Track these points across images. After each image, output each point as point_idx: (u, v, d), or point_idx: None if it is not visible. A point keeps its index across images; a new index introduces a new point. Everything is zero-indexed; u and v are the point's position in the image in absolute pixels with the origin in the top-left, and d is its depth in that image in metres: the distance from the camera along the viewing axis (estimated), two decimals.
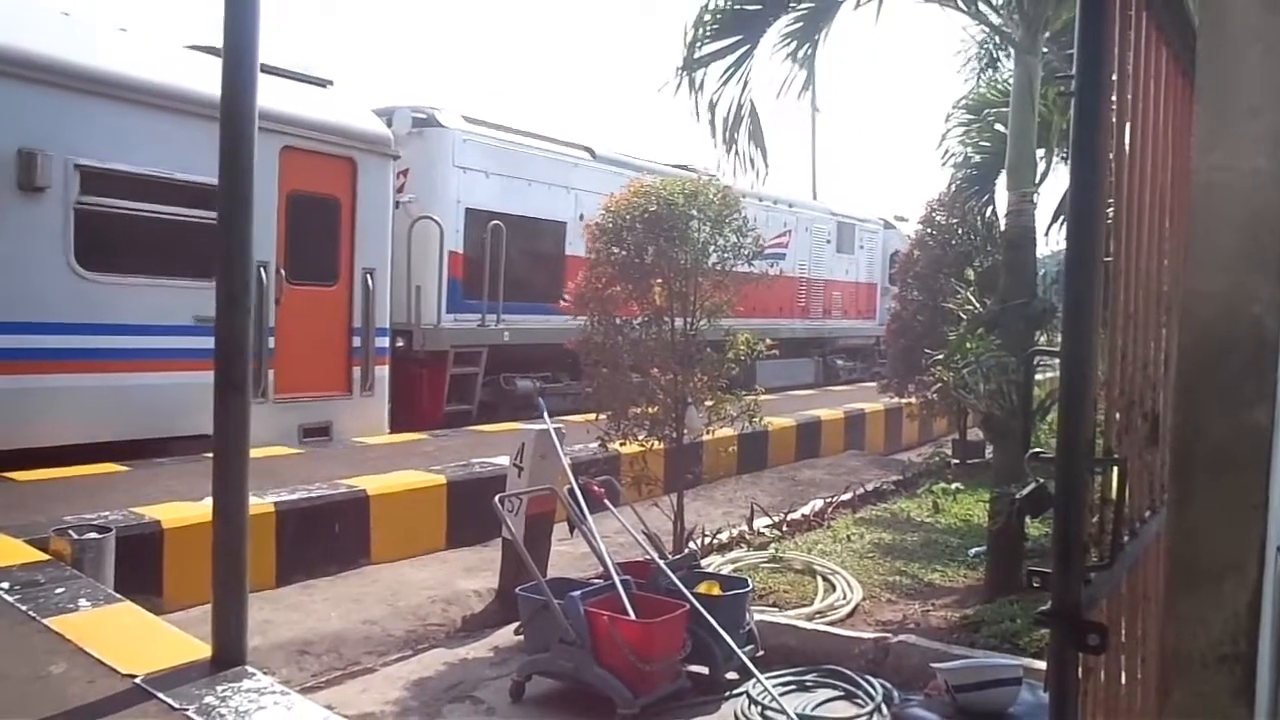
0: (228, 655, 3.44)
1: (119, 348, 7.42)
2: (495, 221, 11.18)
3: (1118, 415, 1.95)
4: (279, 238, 8.46)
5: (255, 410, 7.91)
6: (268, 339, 8.30)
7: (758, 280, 6.93)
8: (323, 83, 9.50)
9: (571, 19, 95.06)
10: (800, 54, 6.78)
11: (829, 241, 19.08)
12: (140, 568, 5.22)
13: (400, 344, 10.25)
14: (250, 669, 3.42)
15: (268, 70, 8.51)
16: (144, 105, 7.43)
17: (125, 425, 7.49)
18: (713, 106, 6.77)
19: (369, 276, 9.28)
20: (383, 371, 9.52)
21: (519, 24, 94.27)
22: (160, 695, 3.17)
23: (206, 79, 7.17)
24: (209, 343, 7.64)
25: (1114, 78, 1.79)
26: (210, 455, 3.60)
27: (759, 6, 6.54)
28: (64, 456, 7.02)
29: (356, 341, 9.24)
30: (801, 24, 6.65)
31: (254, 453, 3.65)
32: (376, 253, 9.41)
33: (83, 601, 4.03)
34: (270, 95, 8.11)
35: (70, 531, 4.73)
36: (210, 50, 7.95)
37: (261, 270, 8.10)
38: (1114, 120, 1.84)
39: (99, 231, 7.28)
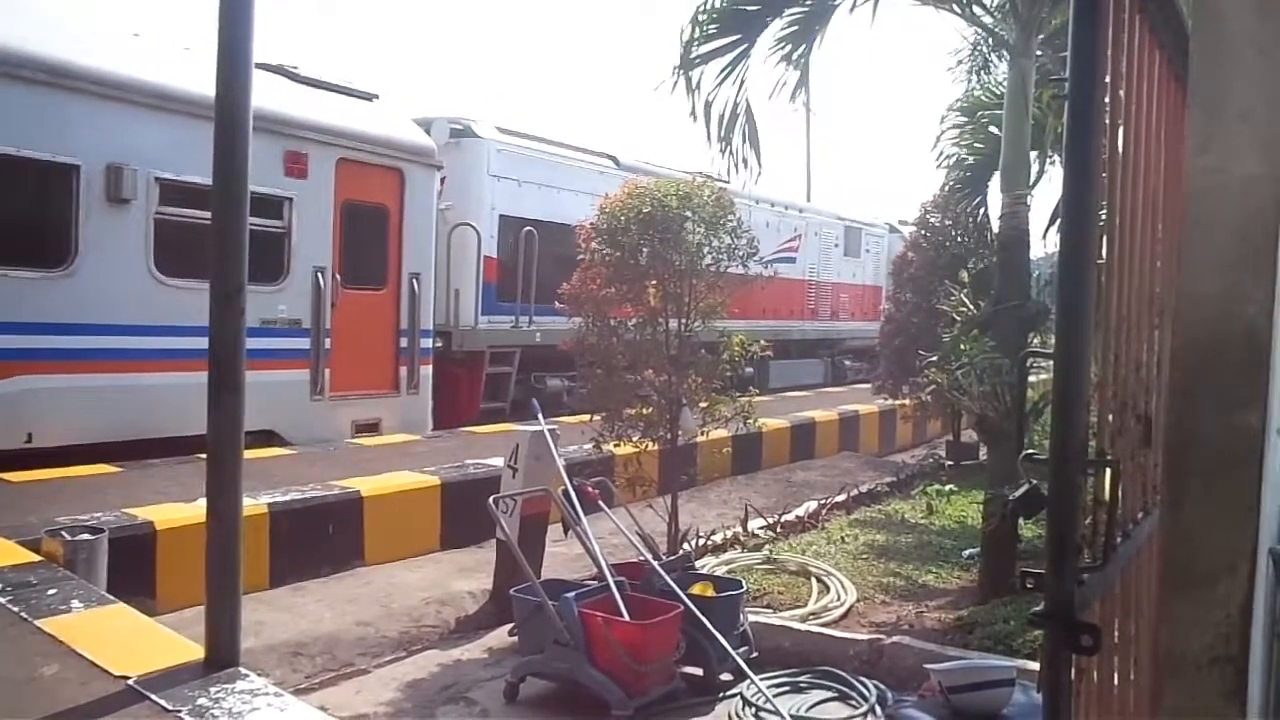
0: (221, 656, 3.43)
1: (192, 348, 7.63)
2: (528, 228, 11.70)
3: (1111, 417, 1.95)
4: (335, 244, 9.03)
5: (313, 407, 8.63)
6: (324, 340, 8.88)
7: (752, 281, 6.94)
8: (369, 96, 9.96)
9: (570, 20, 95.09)
10: (795, 56, 6.79)
11: (837, 245, 19.63)
12: (133, 569, 5.20)
13: (439, 344, 10.67)
14: (244, 670, 3.41)
15: (320, 85, 9.30)
16: (199, 117, 7.64)
17: (187, 421, 7.58)
18: (709, 106, 6.78)
19: (415, 281, 9.80)
20: (427, 371, 10.04)
21: (516, 26, 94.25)
22: (153, 697, 3.15)
23: (265, 95, 7.85)
24: (272, 344, 8.05)
25: (1107, 80, 1.80)
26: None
27: (757, 7, 6.55)
28: (142, 451, 7.43)
29: (403, 342, 9.74)
30: (796, 27, 6.66)
31: (247, 454, 3.64)
32: (421, 258, 9.93)
33: (75, 603, 4.01)
34: (326, 110, 9.19)
35: (63, 532, 4.72)
36: (265, 67, 8.75)
37: (319, 275, 8.78)
38: (1107, 123, 1.84)
39: (174, 239, 7.74)
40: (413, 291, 9.75)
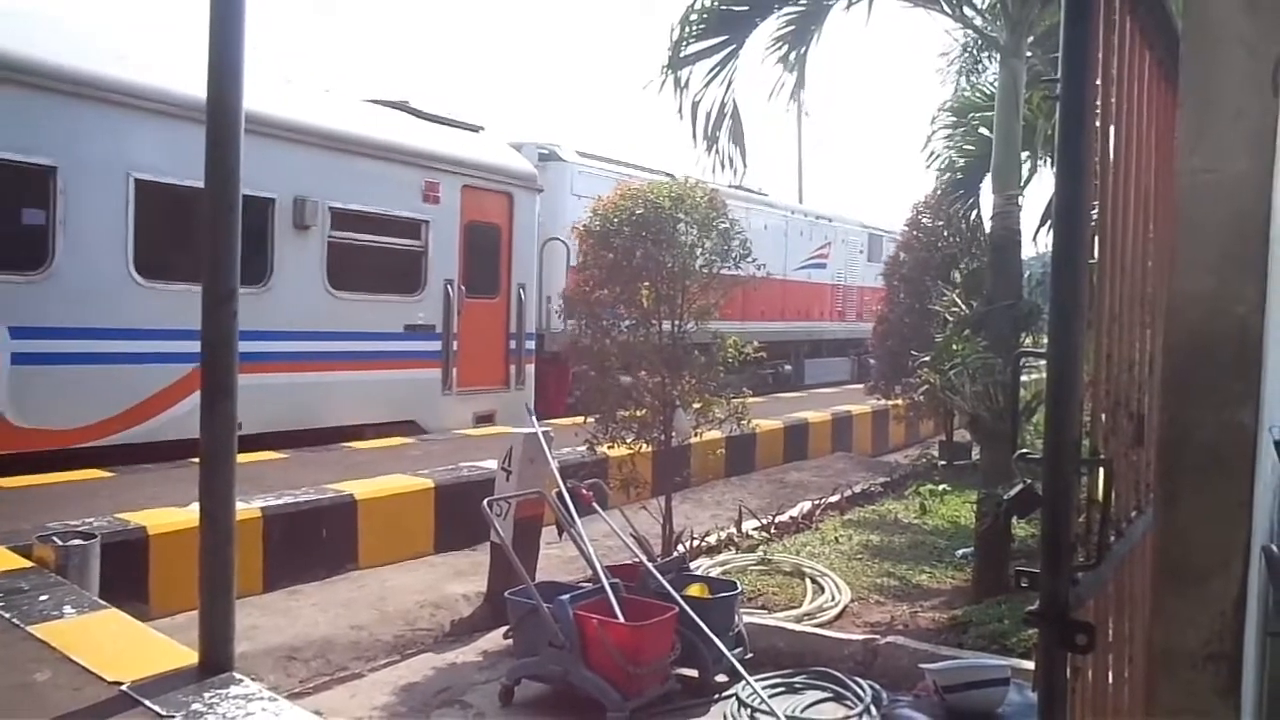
0: (215, 661, 3.41)
1: (355, 351, 9.33)
2: None
3: (1104, 416, 1.96)
4: (460, 260, 10.41)
5: (443, 401, 10.50)
6: (453, 343, 10.25)
7: (745, 283, 6.95)
8: (476, 128, 11.34)
9: (566, 18, 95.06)
10: (792, 57, 6.80)
11: (861, 252, 20.87)
12: (126, 574, 5.18)
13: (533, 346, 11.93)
14: (237, 675, 3.40)
15: (438, 120, 11.04)
16: (361, 155, 9.34)
17: (353, 412, 9.39)
18: (695, 106, 6.79)
19: (521, 290, 11.21)
20: (530, 369, 11.46)
21: (511, 26, 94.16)
22: (146, 702, 3.14)
23: (406, 132, 10.11)
24: (414, 346, 9.80)
25: (1098, 81, 1.81)
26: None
27: (746, 7, 6.56)
28: (312, 439, 8.77)
29: (512, 344, 11.17)
30: (792, 27, 6.68)
31: (240, 458, 3.63)
32: (526, 270, 11.36)
33: (68, 609, 4.00)
34: (451, 143, 10.73)
35: (55, 538, 4.69)
36: (388, 104, 10.58)
37: (448, 286, 10.23)
38: (1098, 123, 1.85)
39: (341, 258, 9.17)
40: (519, 299, 11.15)
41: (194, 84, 8.01)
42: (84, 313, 7.30)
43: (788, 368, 17.97)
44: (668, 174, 13.90)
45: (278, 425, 8.52)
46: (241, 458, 3.66)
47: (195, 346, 7.95)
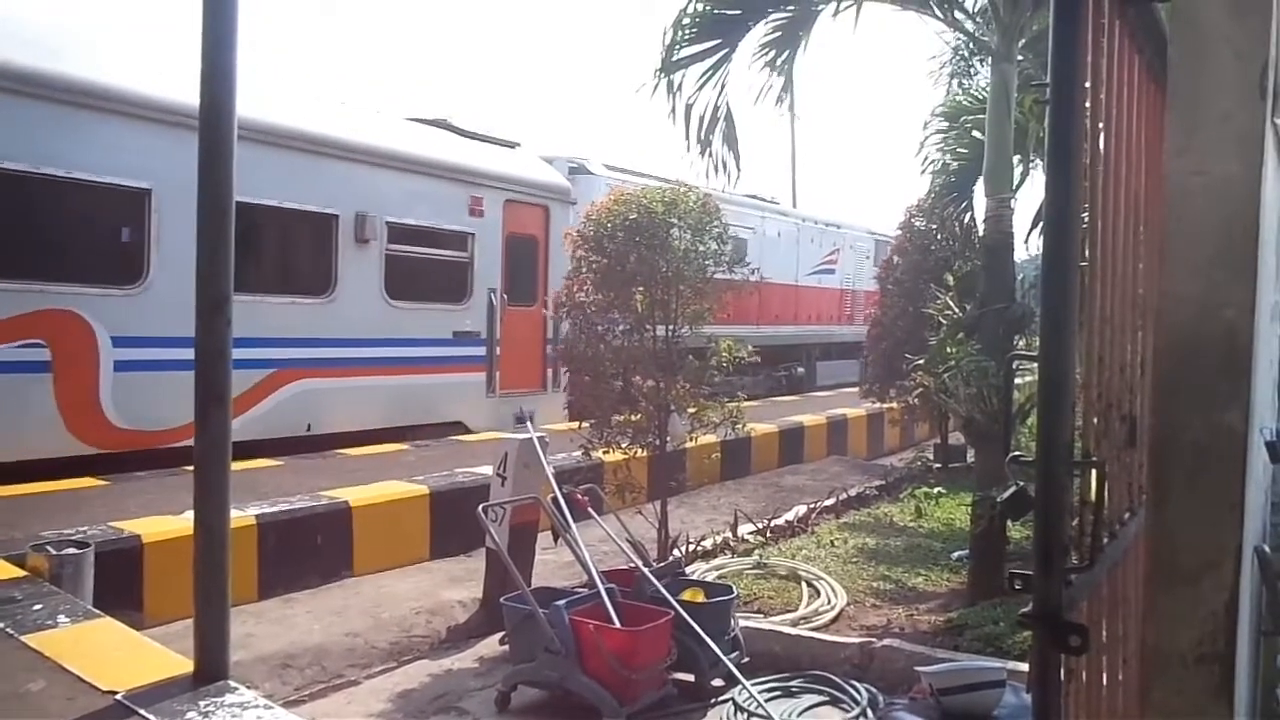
0: (210, 670, 3.40)
1: (408, 356, 10.02)
2: None
3: (1096, 418, 1.96)
4: (502, 270, 11.12)
5: (485, 403, 11.37)
6: (496, 348, 10.96)
7: (739, 287, 6.96)
8: (513, 144, 12.07)
9: (568, 23, 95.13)
10: (779, 62, 6.82)
11: (868, 258, 21.34)
12: (120, 583, 5.17)
13: None
14: (233, 683, 3.39)
15: (478, 137, 11.79)
16: (413, 172, 10.04)
17: (407, 414, 10.08)
18: (689, 109, 6.81)
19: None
20: (564, 373, 11.61)
21: (509, 26, 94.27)
22: (142, 712, 3.13)
23: (452, 150, 10.82)
24: (461, 351, 10.65)
25: (1088, 85, 1.81)
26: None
27: (738, 11, 6.58)
28: (366, 439, 9.39)
29: (549, 349, 11.67)
30: (780, 32, 6.70)
31: (235, 465, 3.62)
32: (561, 279, 10.97)
33: (61, 618, 3.98)
34: (492, 159, 11.48)
35: (48, 547, 4.67)
36: (425, 121, 11.29)
37: (492, 295, 10.92)
38: (1089, 126, 1.86)
39: (397, 270, 9.84)
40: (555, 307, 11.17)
41: (253, 108, 8.33)
42: (175, 323, 7.65)
43: (800, 370, 18.65)
44: (687, 184, 14.18)
45: (342, 426, 9.31)
46: (236, 465, 3.65)
47: (269, 353, 8.60)
